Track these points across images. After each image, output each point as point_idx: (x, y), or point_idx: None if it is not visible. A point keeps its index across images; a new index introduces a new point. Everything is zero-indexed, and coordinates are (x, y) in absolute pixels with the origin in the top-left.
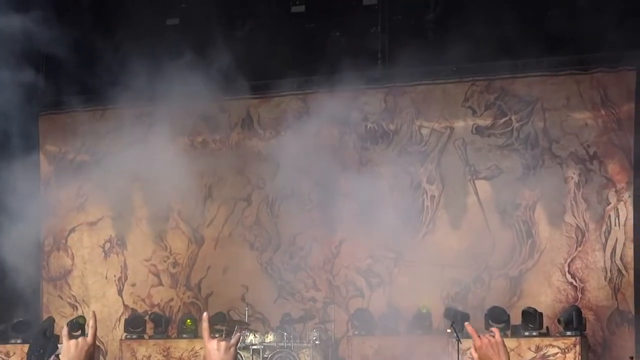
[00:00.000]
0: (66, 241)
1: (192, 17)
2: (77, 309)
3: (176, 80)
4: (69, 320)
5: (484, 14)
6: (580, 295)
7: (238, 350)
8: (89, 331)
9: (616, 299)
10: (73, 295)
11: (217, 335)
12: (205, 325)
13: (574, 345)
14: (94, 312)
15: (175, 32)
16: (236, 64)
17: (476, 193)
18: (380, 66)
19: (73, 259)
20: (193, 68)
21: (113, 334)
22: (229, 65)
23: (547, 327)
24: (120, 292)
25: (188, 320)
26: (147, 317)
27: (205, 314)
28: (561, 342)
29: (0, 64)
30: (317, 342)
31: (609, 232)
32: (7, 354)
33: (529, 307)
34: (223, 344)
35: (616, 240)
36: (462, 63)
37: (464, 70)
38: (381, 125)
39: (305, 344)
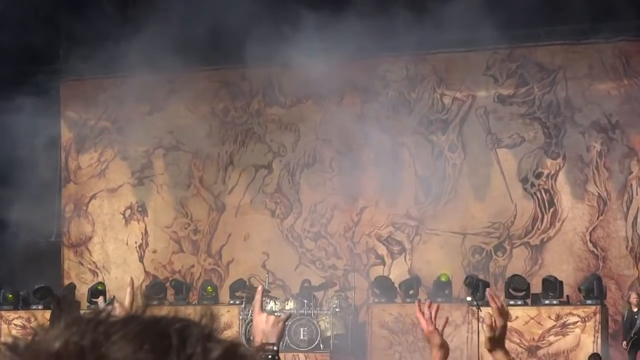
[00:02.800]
0: (87, 208)
1: None
2: (97, 275)
3: (197, 48)
4: (88, 287)
5: None
6: (601, 264)
7: None
8: (127, 298)
9: (637, 268)
10: (94, 262)
11: (237, 302)
12: (258, 297)
13: (594, 314)
14: (132, 279)
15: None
16: (257, 33)
17: (498, 162)
18: (402, 33)
19: (93, 225)
20: (214, 36)
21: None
22: (250, 33)
23: (568, 296)
24: (141, 259)
25: (209, 287)
26: (168, 284)
27: (260, 287)
28: (581, 311)
29: (22, 32)
30: (337, 310)
31: (631, 201)
32: (29, 320)
33: (549, 276)
34: (272, 317)
35: (638, 209)
36: (485, 31)
37: (486, 38)
38: (403, 93)
39: (326, 311)
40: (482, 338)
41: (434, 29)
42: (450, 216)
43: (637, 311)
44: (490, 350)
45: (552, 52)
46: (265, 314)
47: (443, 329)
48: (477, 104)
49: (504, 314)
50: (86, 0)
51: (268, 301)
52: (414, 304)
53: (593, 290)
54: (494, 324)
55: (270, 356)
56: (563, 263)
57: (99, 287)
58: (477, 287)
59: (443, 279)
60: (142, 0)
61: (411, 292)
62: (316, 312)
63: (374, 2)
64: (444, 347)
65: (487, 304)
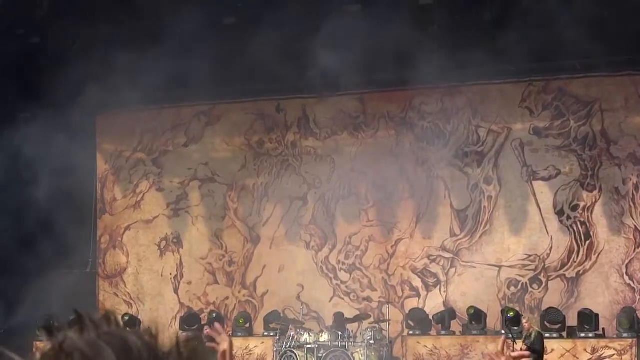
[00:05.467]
0: (122, 239)
1: (248, 16)
2: (132, 306)
3: (232, 80)
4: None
5: (541, 14)
6: (638, 297)
7: (292, 349)
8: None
9: None
10: (128, 293)
11: (271, 334)
12: None
13: (631, 347)
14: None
15: (231, 31)
16: (292, 64)
17: (534, 194)
18: (437, 66)
19: (128, 256)
20: (250, 67)
21: (168, 332)
22: (285, 65)
23: (604, 329)
24: (176, 290)
25: (240, 320)
26: (203, 315)
27: None
28: (617, 344)
29: (58, 66)
30: (371, 342)
31: None
32: None
33: (585, 309)
34: None
35: None
36: (520, 63)
37: (522, 71)
38: (438, 125)
39: (360, 344)
40: None
41: (470, 60)
42: (486, 249)
43: (528, 335)
44: None
45: (587, 84)
46: None
47: None
48: (512, 136)
49: None
50: (122, 33)
51: (302, 333)
52: (449, 336)
53: (634, 322)
54: None
55: None
56: (599, 296)
57: (125, 319)
58: (512, 319)
59: (471, 312)
60: (177, 33)
61: (446, 324)
62: (351, 344)
63: (409, 35)
64: None
65: (521, 336)
